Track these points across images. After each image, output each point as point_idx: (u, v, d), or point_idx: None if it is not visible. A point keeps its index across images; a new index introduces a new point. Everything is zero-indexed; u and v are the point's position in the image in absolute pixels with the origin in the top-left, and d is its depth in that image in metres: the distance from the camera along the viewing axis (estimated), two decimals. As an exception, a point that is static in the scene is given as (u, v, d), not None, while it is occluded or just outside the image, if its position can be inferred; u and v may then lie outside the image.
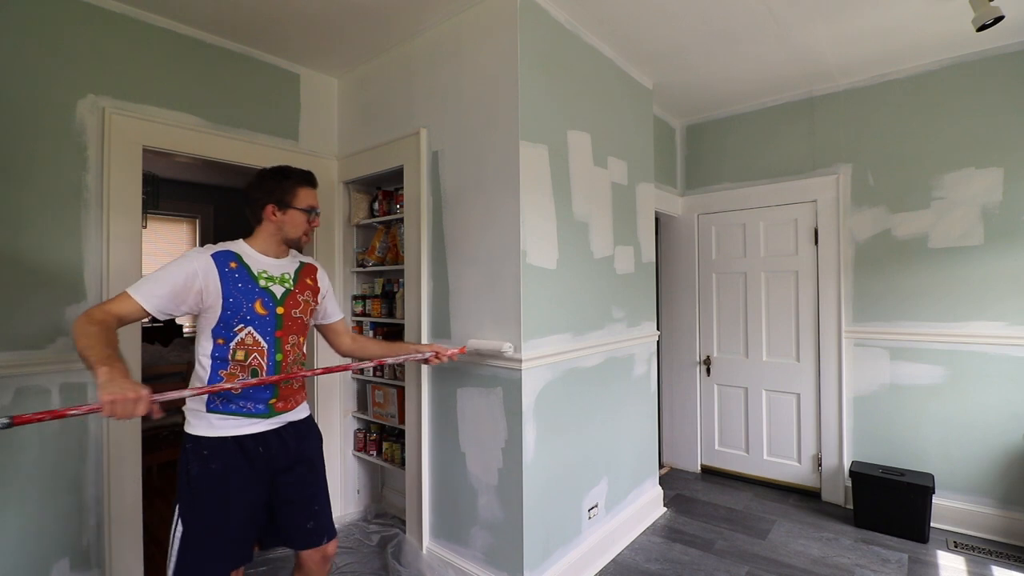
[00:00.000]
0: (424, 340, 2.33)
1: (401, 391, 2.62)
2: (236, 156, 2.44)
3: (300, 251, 1.65)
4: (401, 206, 2.59)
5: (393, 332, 2.81)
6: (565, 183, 2.24)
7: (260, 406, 1.45)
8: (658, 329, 3.24)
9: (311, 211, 1.55)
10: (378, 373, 2.80)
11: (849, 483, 2.90)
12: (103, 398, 1.04)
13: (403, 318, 2.53)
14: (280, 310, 1.49)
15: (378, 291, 2.85)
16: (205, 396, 1.39)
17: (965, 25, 2.31)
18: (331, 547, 1.59)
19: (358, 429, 2.93)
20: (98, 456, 2.00)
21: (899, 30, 2.42)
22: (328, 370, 1.60)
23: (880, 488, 2.68)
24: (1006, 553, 2.44)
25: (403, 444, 2.62)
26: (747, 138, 3.38)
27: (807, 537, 2.64)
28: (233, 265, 1.43)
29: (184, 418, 1.44)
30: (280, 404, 1.48)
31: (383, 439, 2.81)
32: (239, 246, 1.50)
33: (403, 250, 2.48)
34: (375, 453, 2.81)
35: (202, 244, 5.33)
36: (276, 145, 2.60)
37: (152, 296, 1.31)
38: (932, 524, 2.67)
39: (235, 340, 1.41)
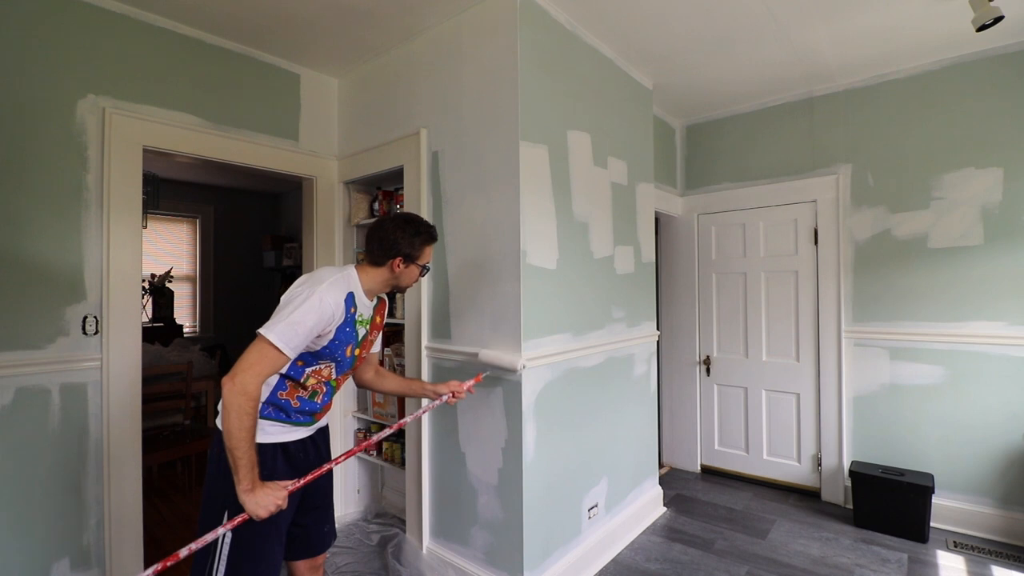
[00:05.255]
0: (424, 341, 2.34)
1: (401, 391, 2.61)
2: (236, 156, 2.45)
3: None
4: (401, 206, 2.59)
5: (393, 332, 2.81)
6: (565, 183, 2.24)
7: (308, 418, 1.50)
8: (658, 329, 3.24)
9: (426, 268, 1.60)
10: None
11: (849, 483, 2.90)
12: (259, 514, 1.22)
13: (403, 318, 2.53)
14: (358, 351, 1.53)
15: (378, 291, 2.85)
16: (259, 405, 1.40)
17: (965, 25, 2.31)
18: (321, 556, 1.64)
19: (358, 429, 2.93)
20: (98, 456, 2.00)
21: (899, 30, 2.43)
22: (349, 453, 1.56)
23: (880, 488, 2.68)
24: (1006, 553, 2.45)
25: (403, 444, 2.62)
26: (747, 138, 3.38)
27: (807, 537, 2.64)
28: (352, 311, 1.45)
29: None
30: (319, 415, 1.54)
31: (383, 439, 2.81)
32: (356, 285, 1.47)
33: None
34: (375, 453, 2.81)
35: (202, 244, 5.37)
36: (276, 145, 2.60)
37: (299, 347, 1.32)
38: (932, 524, 2.67)
39: (314, 368, 1.44)
